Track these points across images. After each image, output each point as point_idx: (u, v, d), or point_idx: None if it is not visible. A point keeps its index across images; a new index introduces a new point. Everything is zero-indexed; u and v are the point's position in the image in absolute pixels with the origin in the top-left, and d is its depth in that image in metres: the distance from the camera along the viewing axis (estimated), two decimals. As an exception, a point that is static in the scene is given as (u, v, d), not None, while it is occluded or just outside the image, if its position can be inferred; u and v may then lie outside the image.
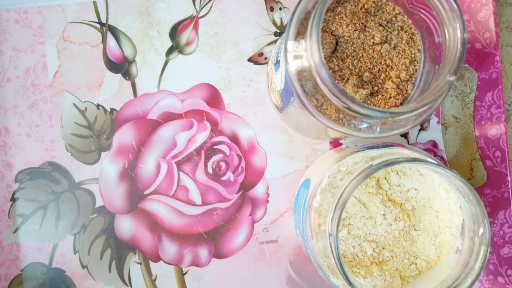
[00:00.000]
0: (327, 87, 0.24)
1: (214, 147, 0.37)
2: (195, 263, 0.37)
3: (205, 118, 0.37)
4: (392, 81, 0.28)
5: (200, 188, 0.37)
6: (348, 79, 0.27)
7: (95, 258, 0.36)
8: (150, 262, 0.37)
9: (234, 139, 0.37)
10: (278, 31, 0.38)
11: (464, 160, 0.38)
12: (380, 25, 0.28)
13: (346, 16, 0.28)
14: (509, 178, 0.35)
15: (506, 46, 0.39)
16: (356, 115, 0.25)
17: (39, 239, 0.36)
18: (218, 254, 0.37)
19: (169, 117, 0.37)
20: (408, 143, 0.38)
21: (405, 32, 0.28)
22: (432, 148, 0.38)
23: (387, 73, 0.28)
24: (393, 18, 0.28)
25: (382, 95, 0.28)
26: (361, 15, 0.28)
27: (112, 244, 0.37)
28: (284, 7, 0.38)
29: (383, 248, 0.30)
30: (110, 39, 0.37)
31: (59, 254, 0.36)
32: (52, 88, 0.37)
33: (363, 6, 0.28)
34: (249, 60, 0.37)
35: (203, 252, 0.37)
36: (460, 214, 0.30)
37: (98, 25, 0.37)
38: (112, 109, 0.37)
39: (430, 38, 0.27)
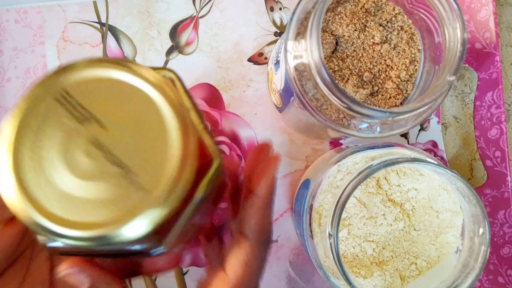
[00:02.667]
0: (327, 87, 0.24)
1: (214, 147, 0.37)
2: (195, 263, 0.37)
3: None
4: (392, 81, 0.28)
5: (200, 188, 0.37)
6: (348, 79, 0.27)
7: (95, 258, 0.36)
8: (150, 262, 0.37)
9: (234, 139, 0.37)
10: (278, 31, 0.38)
11: (464, 160, 0.38)
12: (380, 25, 0.28)
13: (346, 16, 0.28)
14: (509, 178, 0.35)
15: (506, 46, 0.39)
16: (356, 115, 0.25)
17: (39, 239, 0.36)
18: (218, 254, 0.37)
19: (169, 117, 0.37)
20: (408, 143, 0.38)
21: (405, 32, 0.28)
22: (432, 148, 0.38)
23: (387, 73, 0.28)
24: (393, 18, 0.28)
25: (382, 95, 0.28)
26: (361, 15, 0.28)
27: (112, 244, 0.37)
28: (284, 7, 0.38)
29: (383, 248, 0.30)
30: (110, 39, 0.37)
31: (59, 254, 0.36)
32: (52, 88, 0.37)
33: (363, 6, 0.28)
34: (249, 60, 0.37)
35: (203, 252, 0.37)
36: (460, 214, 0.30)
37: (98, 25, 0.37)
38: (112, 109, 0.37)
39: (430, 38, 0.27)
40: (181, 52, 0.37)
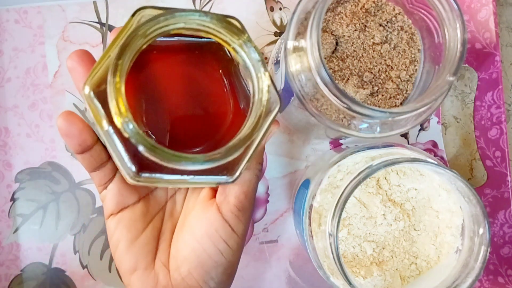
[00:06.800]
0: (327, 87, 0.24)
1: (214, 147, 0.37)
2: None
3: (205, 118, 0.37)
4: (392, 81, 0.28)
5: (200, 188, 0.37)
6: (348, 79, 0.27)
7: (95, 258, 0.36)
8: (150, 262, 0.36)
9: (234, 139, 0.37)
10: (278, 31, 0.38)
11: (464, 160, 0.38)
12: (380, 25, 0.28)
13: (346, 16, 0.28)
14: (509, 178, 0.35)
15: (506, 46, 0.39)
16: (356, 115, 0.25)
17: (39, 239, 0.36)
18: (218, 254, 0.37)
19: (169, 117, 0.37)
20: (408, 143, 0.38)
21: (405, 32, 0.28)
22: (432, 148, 0.38)
23: (387, 73, 0.28)
24: (393, 18, 0.28)
25: (382, 95, 0.28)
26: (361, 15, 0.28)
27: (112, 244, 0.37)
28: (284, 7, 0.38)
29: (383, 248, 0.30)
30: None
31: (59, 254, 0.36)
32: (52, 88, 0.37)
33: (363, 6, 0.28)
34: (249, 60, 0.37)
35: (203, 252, 0.37)
36: (460, 214, 0.30)
37: (98, 25, 0.37)
38: (112, 109, 0.37)
39: (430, 38, 0.27)
40: (181, 52, 0.37)
